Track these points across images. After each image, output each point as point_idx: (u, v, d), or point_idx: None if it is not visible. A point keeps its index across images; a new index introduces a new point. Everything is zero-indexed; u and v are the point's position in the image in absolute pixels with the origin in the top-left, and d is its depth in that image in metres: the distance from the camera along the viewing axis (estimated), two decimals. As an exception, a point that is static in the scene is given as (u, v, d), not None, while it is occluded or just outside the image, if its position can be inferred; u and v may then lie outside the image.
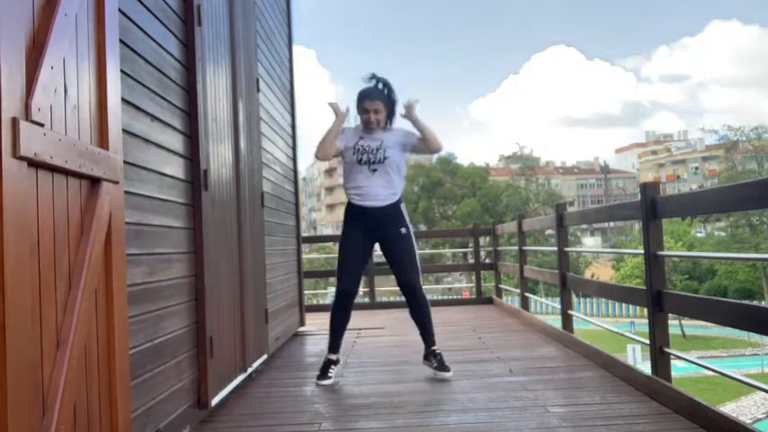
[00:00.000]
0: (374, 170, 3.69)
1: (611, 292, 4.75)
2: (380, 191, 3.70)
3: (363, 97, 3.75)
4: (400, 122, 3.85)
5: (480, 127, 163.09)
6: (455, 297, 16.39)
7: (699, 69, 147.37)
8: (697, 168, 66.06)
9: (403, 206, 3.80)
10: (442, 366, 3.70)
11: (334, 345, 3.78)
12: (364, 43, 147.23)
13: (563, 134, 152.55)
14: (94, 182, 1.76)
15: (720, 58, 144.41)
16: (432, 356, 3.76)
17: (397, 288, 3.88)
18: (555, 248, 5.29)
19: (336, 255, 3.83)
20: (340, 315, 3.75)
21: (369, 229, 3.74)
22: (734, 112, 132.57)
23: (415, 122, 3.76)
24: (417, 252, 3.80)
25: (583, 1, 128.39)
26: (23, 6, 1.45)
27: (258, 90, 4.46)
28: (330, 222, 69.19)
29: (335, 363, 3.77)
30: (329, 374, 3.70)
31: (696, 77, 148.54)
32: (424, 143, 3.77)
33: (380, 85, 3.78)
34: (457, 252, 31.83)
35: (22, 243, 1.37)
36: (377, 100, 3.71)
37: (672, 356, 3.17)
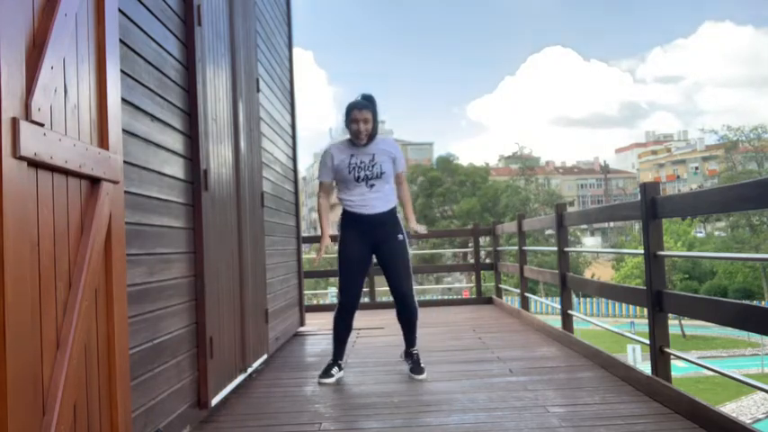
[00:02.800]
0: (372, 185, 3.74)
1: (611, 292, 4.74)
2: (378, 203, 3.76)
3: (352, 108, 3.74)
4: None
5: (478, 127, 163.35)
6: (455, 297, 16.38)
7: (694, 70, 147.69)
8: (697, 168, 66.05)
9: (399, 213, 3.87)
10: (417, 368, 3.79)
11: (338, 352, 3.87)
12: (362, 44, 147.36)
13: (561, 134, 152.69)
14: (94, 182, 1.76)
15: (715, 58, 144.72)
16: (409, 357, 3.91)
17: None
18: (555, 248, 5.29)
19: (334, 254, 3.87)
20: (342, 325, 3.85)
21: (366, 233, 3.78)
22: (730, 112, 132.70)
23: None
24: (411, 259, 3.88)
25: (576, 2, 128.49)
26: (23, 6, 1.45)
27: (258, 90, 4.45)
28: (330, 222, 69.04)
29: (339, 366, 3.85)
30: (331, 373, 3.77)
31: (691, 78, 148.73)
32: (399, 191, 3.92)
33: (367, 100, 3.78)
34: (457, 252, 31.79)
35: (22, 243, 1.37)
36: (365, 110, 3.71)
37: (672, 356, 3.17)
